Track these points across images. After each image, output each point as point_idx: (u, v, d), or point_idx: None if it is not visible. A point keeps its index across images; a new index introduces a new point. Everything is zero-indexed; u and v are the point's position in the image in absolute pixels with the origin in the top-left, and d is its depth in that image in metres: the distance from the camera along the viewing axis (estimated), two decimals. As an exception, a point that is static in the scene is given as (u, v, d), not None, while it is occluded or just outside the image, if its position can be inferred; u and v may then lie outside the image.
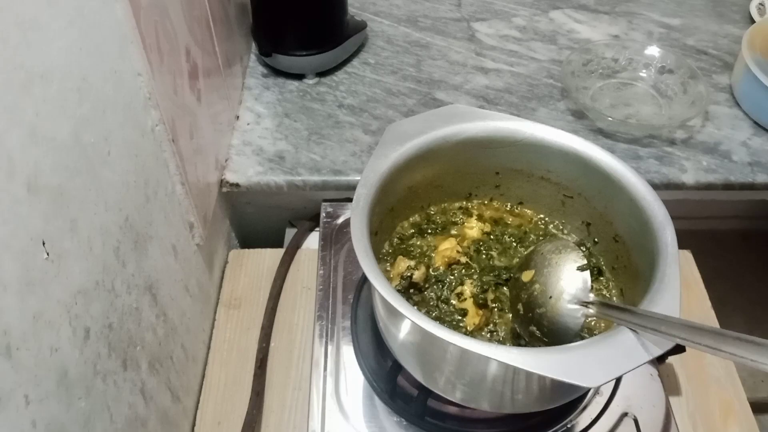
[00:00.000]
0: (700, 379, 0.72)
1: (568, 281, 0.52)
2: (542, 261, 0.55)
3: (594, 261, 0.63)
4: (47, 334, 0.39)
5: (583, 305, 0.51)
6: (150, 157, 0.56)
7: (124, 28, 0.50)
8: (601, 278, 0.62)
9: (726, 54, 0.98)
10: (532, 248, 0.59)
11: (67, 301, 0.42)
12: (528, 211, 0.67)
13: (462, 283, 0.61)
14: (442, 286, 0.61)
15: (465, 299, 0.59)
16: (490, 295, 0.60)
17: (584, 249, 0.63)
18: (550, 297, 0.52)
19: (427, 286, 0.61)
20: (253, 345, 0.73)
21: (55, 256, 0.40)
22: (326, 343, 0.67)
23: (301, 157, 0.82)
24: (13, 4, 0.36)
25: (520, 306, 0.56)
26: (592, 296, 0.51)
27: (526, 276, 0.56)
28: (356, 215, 0.53)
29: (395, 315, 0.54)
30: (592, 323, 0.58)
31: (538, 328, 0.53)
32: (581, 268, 0.52)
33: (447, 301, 0.60)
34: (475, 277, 0.61)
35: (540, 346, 0.54)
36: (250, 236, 0.93)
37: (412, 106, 0.89)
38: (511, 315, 0.58)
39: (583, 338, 0.55)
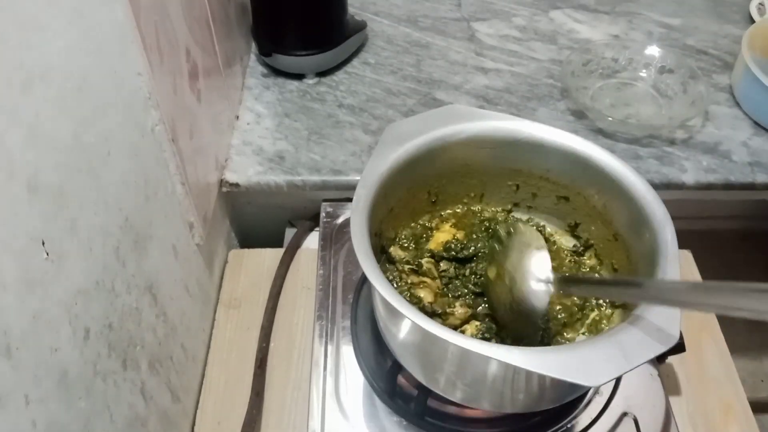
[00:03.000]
0: (700, 379, 0.72)
1: (528, 263, 0.53)
2: (502, 252, 0.57)
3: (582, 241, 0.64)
4: (47, 334, 0.39)
5: (546, 284, 0.52)
6: (150, 157, 0.56)
7: (124, 28, 0.50)
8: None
9: (726, 54, 0.98)
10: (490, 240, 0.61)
11: (67, 301, 0.42)
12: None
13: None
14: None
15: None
16: (468, 301, 0.60)
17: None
18: (515, 283, 0.53)
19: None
20: (253, 345, 0.73)
21: (55, 256, 0.40)
22: (326, 343, 0.67)
23: (301, 156, 0.82)
24: (13, 4, 0.36)
25: (494, 300, 0.57)
26: (551, 275, 0.52)
27: (491, 273, 0.58)
28: (356, 215, 0.53)
29: (395, 315, 0.54)
30: (603, 324, 0.58)
31: (509, 314, 0.54)
32: (538, 248, 0.53)
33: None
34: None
35: (510, 332, 0.56)
36: (250, 236, 0.93)
37: (412, 106, 0.89)
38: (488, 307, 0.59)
39: (546, 322, 0.57)
